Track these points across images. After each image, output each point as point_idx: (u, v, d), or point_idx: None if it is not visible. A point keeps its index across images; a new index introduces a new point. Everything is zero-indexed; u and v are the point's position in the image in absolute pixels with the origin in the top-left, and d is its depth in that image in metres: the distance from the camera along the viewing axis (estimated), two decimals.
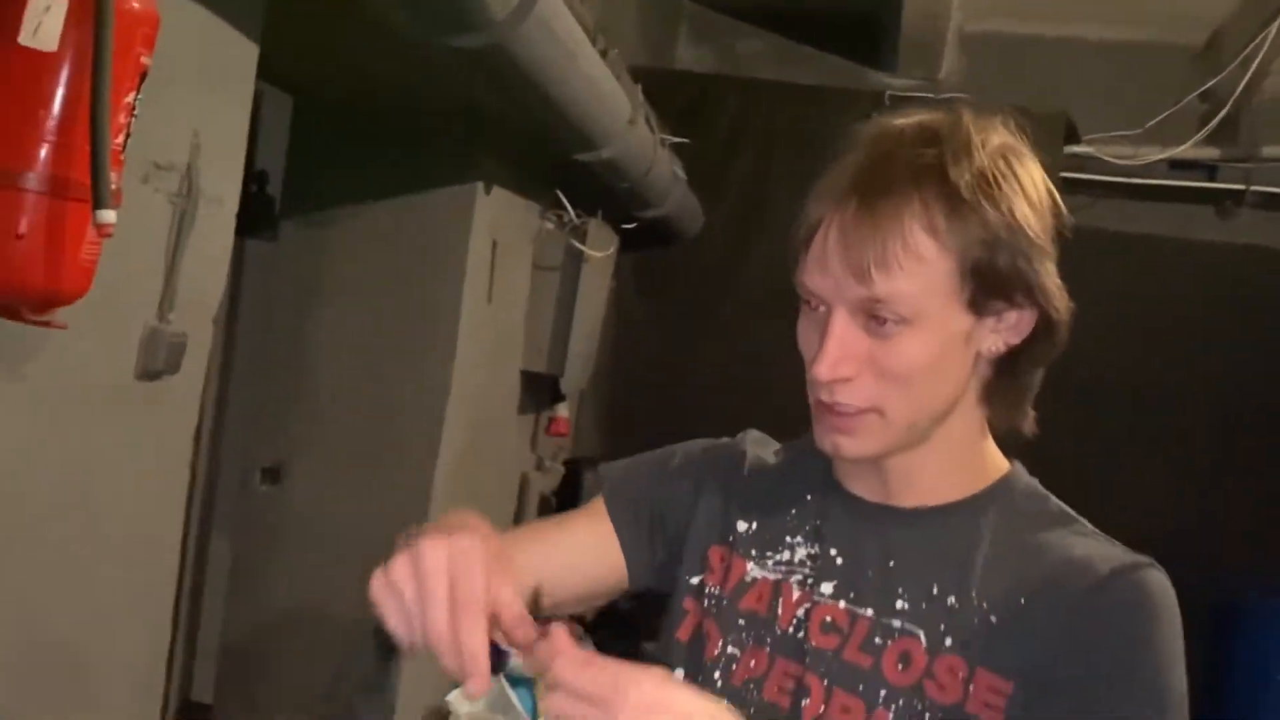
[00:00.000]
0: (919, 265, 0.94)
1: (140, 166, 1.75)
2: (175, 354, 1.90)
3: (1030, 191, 0.97)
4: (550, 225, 3.62)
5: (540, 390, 3.83)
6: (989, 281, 0.95)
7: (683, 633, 1.08)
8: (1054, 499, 1.05)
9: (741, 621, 1.05)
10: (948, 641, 0.97)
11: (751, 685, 1.03)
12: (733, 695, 1.01)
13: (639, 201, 3.87)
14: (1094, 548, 0.99)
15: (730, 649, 1.05)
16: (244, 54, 2.00)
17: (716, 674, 1.05)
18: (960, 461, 1.03)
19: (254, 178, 3.00)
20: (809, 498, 1.08)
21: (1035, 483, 1.06)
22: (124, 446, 1.86)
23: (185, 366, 1.94)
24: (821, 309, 0.98)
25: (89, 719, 1.85)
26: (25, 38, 1.32)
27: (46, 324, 1.45)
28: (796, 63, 4.56)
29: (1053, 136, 3.96)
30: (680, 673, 1.06)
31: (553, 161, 3.28)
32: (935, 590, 0.99)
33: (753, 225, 4.23)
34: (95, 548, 1.81)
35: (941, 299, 0.95)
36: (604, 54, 2.96)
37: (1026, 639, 0.95)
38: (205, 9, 1.87)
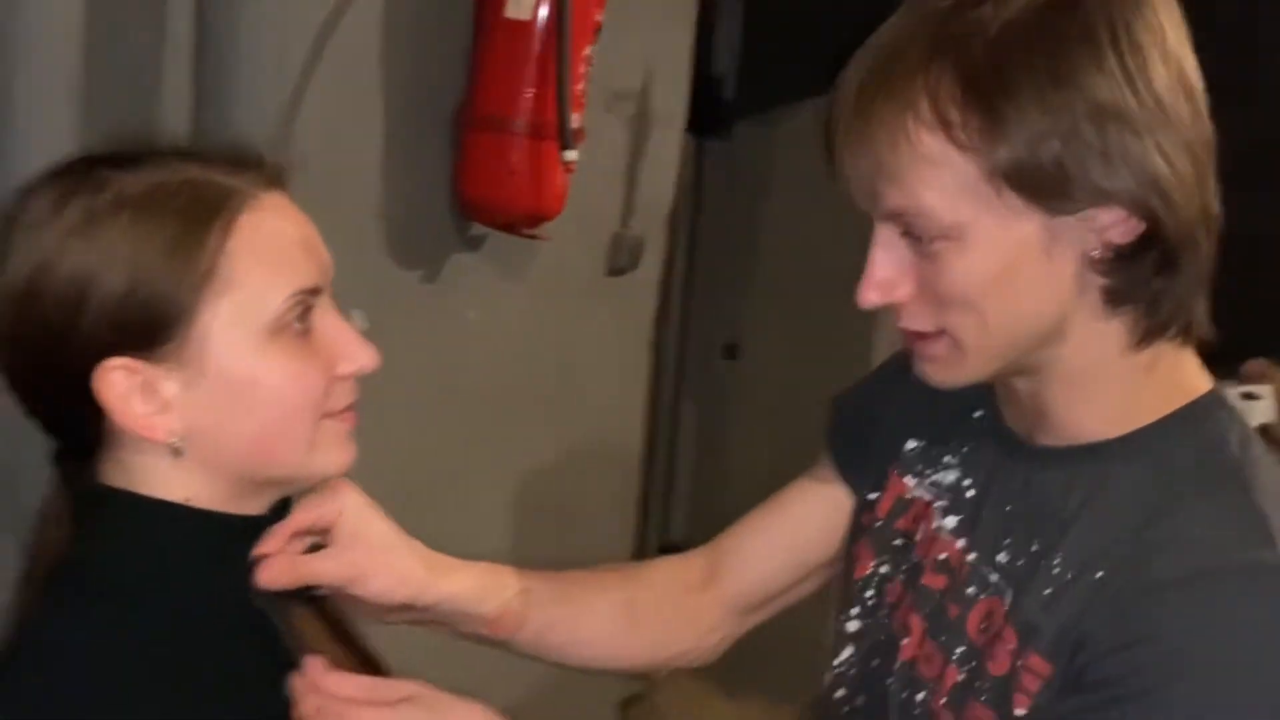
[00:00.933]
0: (932, 170, 0.74)
1: (603, 97, 2.09)
2: (635, 253, 2.26)
3: (1107, 45, 0.72)
4: None
5: None
6: (1033, 183, 0.73)
7: (853, 549, 1.00)
8: (1235, 446, 0.81)
9: (897, 542, 0.95)
10: (1022, 608, 0.82)
11: (886, 611, 0.94)
12: (876, 615, 0.95)
13: None
14: (1223, 528, 0.77)
15: (883, 569, 0.95)
16: None
17: (869, 594, 0.96)
18: (1101, 392, 0.82)
19: (710, 84, 3.31)
20: (977, 414, 0.92)
21: (1228, 419, 0.83)
22: (598, 330, 2.27)
23: (644, 263, 2.30)
24: None
25: (572, 557, 2.32)
26: (509, 11, 1.68)
27: (534, 236, 1.83)
28: None
29: None
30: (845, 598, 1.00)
31: None
32: (1034, 547, 0.83)
33: None
34: (579, 413, 2.24)
35: (980, 206, 0.74)
36: None
37: (1077, 623, 0.78)
38: None
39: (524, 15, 1.67)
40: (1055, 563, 0.81)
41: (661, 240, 2.38)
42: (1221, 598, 0.76)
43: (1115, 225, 0.75)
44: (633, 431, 2.45)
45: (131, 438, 0.73)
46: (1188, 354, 0.85)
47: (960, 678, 0.85)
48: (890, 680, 0.91)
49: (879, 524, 0.97)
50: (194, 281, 0.71)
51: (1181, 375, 0.84)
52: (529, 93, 1.70)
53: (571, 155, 1.64)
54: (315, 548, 0.85)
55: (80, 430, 0.74)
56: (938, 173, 0.74)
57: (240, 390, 0.74)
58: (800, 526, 1.08)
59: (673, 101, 2.30)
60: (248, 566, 0.78)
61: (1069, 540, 0.81)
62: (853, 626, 0.97)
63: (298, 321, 0.75)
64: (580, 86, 1.72)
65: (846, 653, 0.97)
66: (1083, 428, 0.83)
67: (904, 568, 0.93)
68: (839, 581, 1.01)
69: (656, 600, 1.08)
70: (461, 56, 1.75)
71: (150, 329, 0.71)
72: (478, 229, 1.89)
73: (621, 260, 2.24)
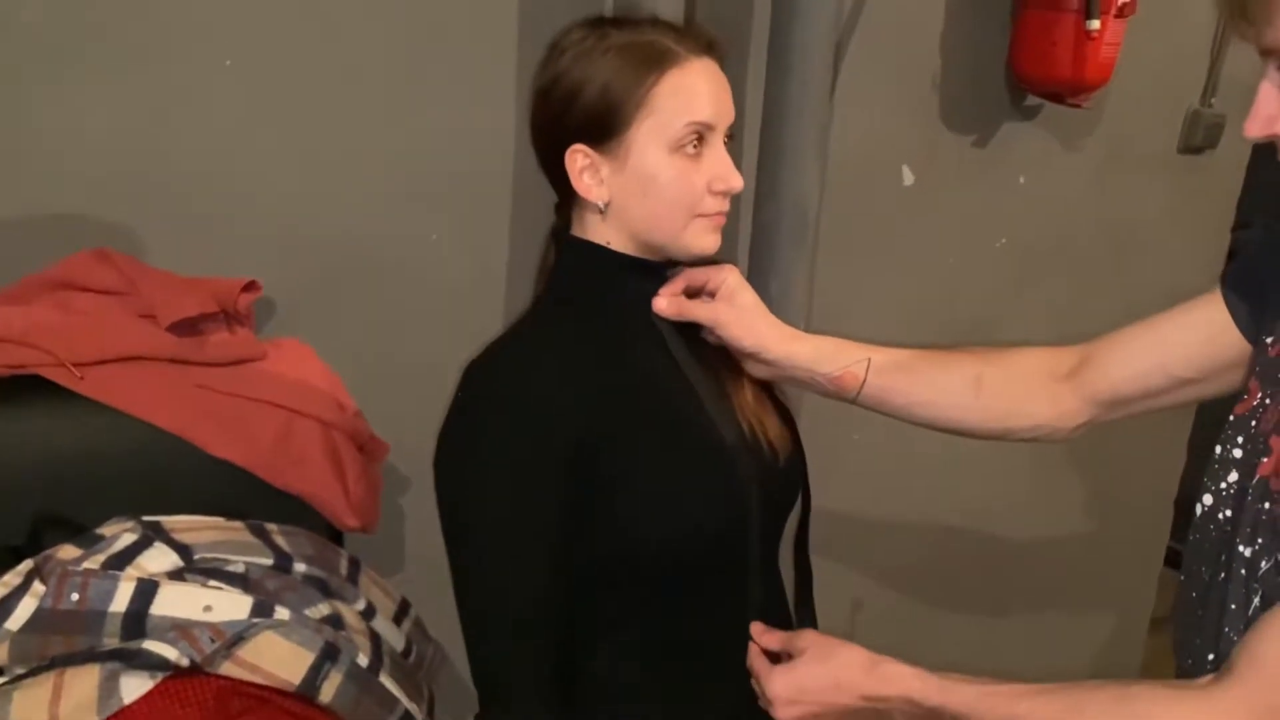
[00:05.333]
0: None
1: None
2: (1214, 133, 2.26)
3: None
4: None
5: None
6: None
7: (1247, 384, 1.10)
8: None
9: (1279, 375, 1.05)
10: None
11: (1262, 436, 1.04)
12: (1253, 439, 1.05)
13: None
14: None
15: (1267, 400, 1.06)
16: None
17: (1253, 422, 1.06)
18: None
19: None
20: None
21: None
22: (1166, 204, 2.32)
23: (1224, 144, 2.28)
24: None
25: None
26: None
27: (1076, 105, 1.98)
28: None
29: None
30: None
31: None
32: None
33: None
34: (1133, 287, 2.32)
35: None
36: None
37: None
38: None
39: None
40: None
41: None
42: None
43: None
44: None
45: (580, 199, 1.13)
46: None
47: None
48: (1249, 494, 1.03)
49: (1270, 360, 1.07)
50: (633, 105, 1.08)
51: None
52: None
53: (1094, 25, 1.76)
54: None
55: (563, 186, 1.15)
56: None
57: (644, 181, 1.09)
58: (1175, 339, 1.19)
59: None
60: (647, 294, 1.17)
61: None
62: (1238, 454, 1.07)
63: (691, 146, 1.08)
64: None
65: (1232, 476, 1.06)
66: None
67: (1279, 397, 1.03)
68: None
69: (1009, 379, 1.26)
70: None
71: (603, 129, 1.09)
72: (1033, 100, 2.07)
73: (1197, 138, 2.26)
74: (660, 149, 1.09)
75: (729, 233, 1.81)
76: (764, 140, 1.78)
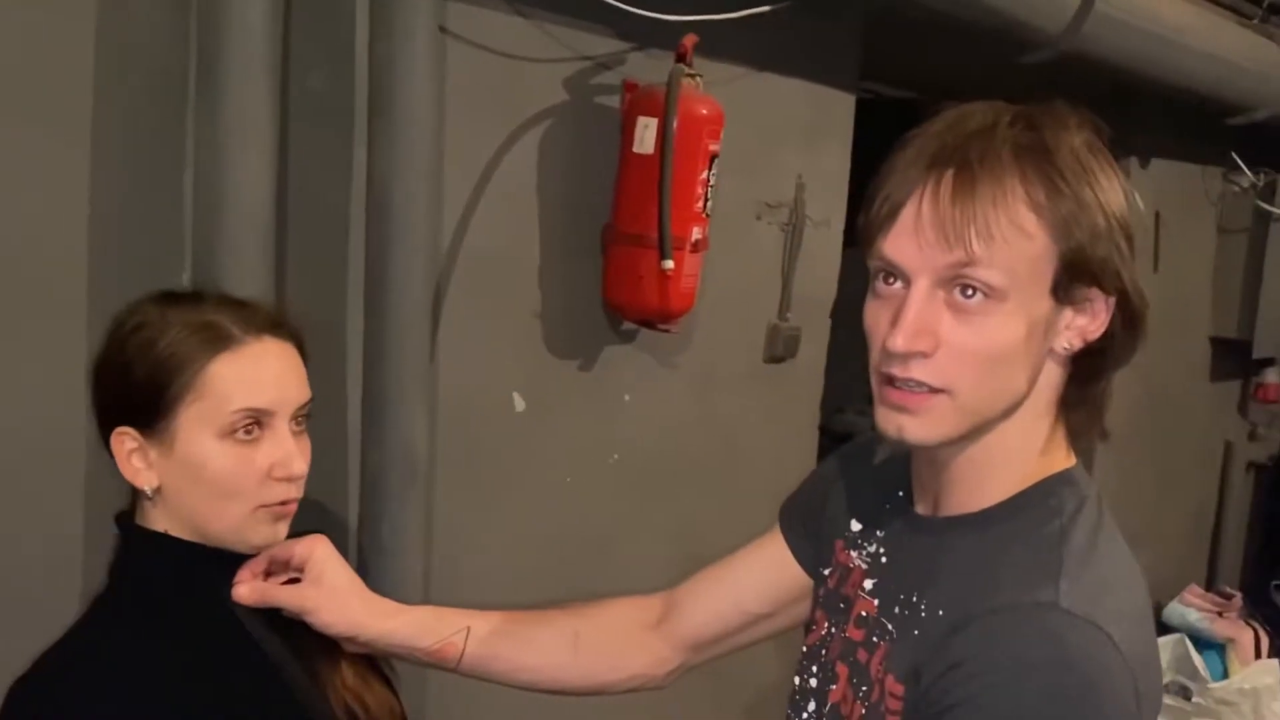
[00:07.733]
0: (1018, 236, 0.90)
1: (753, 208, 2.37)
2: (792, 344, 2.50)
3: (1118, 185, 0.95)
4: (1236, 188, 3.53)
5: (1237, 356, 3.73)
6: (1082, 265, 0.92)
7: (813, 615, 1.15)
8: (1069, 512, 0.97)
9: (841, 605, 1.10)
10: (900, 647, 0.99)
11: (829, 663, 1.09)
12: (824, 668, 1.10)
13: None
14: (1024, 574, 0.93)
15: (832, 629, 1.11)
16: (844, 108, 2.51)
17: (824, 651, 1.11)
18: (1008, 468, 0.99)
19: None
20: (899, 494, 1.09)
21: (1078, 494, 0.99)
22: (759, 414, 2.51)
23: (802, 352, 2.52)
24: (896, 285, 0.94)
25: None
26: (636, 147, 2.01)
27: (666, 330, 2.13)
28: None
29: None
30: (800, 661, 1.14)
31: (1220, 127, 3.24)
32: (915, 598, 1.00)
33: None
34: (740, 487, 2.48)
35: (1032, 276, 0.91)
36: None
37: (920, 654, 0.95)
38: (809, 82, 2.43)
39: (647, 150, 1.99)
40: (923, 609, 0.98)
41: (823, 331, 2.59)
42: (1001, 630, 0.91)
43: (1101, 314, 0.95)
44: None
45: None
46: (1061, 434, 1.02)
47: (863, 711, 1.02)
48: None
49: (830, 592, 1.14)
50: (179, 388, 1.03)
51: (1053, 457, 1.01)
52: (654, 212, 2.00)
53: (668, 265, 1.92)
54: (294, 580, 1.15)
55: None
56: (1022, 241, 0.91)
57: (193, 469, 1.04)
58: (745, 578, 1.26)
59: (830, 209, 2.53)
60: (220, 581, 1.09)
61: (934, 590, 0.98)
62: (814, 682, 1.12)
63: (244, 433, 1.04)
64: (699, 205, 2.01)
65: (811, 706, 1.11)
66: (980, 497, 1.00)
67: (841, 625, 1.09)
68: (801, 645, 1.17)
69: (604, 634, 1.29)
70: (608, 182, 2.09)
71: (149, 412, 1.04)
72: (630, 325, 2.20)
73: (778, 349, 2.48)
74: (209, 435, 1.04)
75: (338, 480, 1.78)
76: (366, 387, 1.76)
